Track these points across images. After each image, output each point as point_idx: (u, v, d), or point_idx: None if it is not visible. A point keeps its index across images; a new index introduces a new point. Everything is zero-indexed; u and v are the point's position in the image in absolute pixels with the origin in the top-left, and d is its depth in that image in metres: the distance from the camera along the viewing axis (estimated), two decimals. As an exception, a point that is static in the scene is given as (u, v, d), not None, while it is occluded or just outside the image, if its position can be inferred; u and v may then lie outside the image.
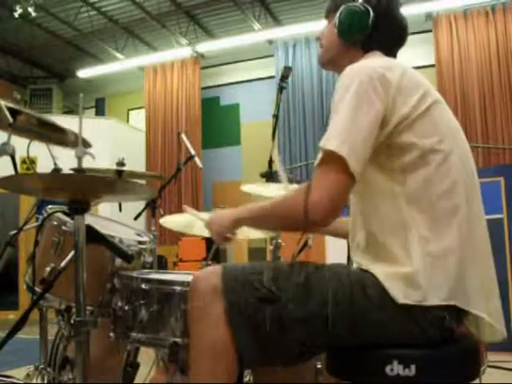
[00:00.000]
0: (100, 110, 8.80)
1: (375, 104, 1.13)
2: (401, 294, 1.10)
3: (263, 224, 1.31)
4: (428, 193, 1.14)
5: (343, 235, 1.52)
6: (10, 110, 1.59)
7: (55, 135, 1.81)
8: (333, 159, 1.10)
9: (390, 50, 1.35)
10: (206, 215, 1.46)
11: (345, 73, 1.19)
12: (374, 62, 1.24)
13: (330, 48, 1.39)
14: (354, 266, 1.25)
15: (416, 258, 1.12)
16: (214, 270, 1.19)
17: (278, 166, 1.84)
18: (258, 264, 1.25)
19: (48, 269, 1.57)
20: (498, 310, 1.20)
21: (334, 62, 1.40)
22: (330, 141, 1.12)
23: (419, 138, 1.15)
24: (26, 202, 5.98)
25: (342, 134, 1.12)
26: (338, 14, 1.32)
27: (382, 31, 1.30)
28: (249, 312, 1.13)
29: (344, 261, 1.35)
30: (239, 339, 1.12)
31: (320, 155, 1.13)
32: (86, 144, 1.78)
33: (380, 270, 1.15)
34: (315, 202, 1.08)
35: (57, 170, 1.86)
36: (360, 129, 1.12)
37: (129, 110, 8.64)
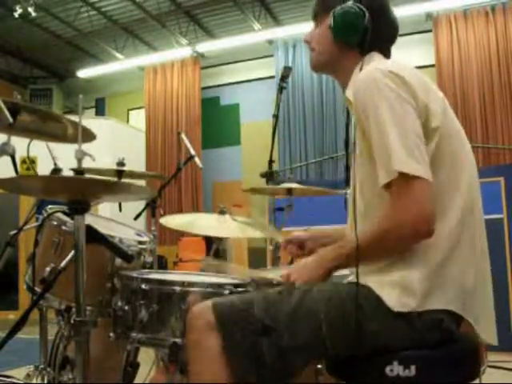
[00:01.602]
0: (100, 110, 8.79)
1: (407, 104, 1.12)
2: (396, 302, 1.10)
3: (369, 259, 1.18)
4: None
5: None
6: (11, 108, 1.59)
7: (56, 131, 1.81)
8: (407, 177, 1.07)
9: (385, 49, 1.34)
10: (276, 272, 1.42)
11: (360, 83, 1.17)
12: (384, 64, 1.23)
13: (325, 51, 1.35)
14: (347, 279, 1.25)
15: (411, 264, 1.12)
16: (206, 307, 1.17)
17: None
18: (248, 296, 1.25)
19: (48, 269, 1.57)
20: (490, 316, 1.20)
21: (329, 65, 1.38)
22: (400, 162, 1.08)
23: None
24: (26, 202, 5.98)
25: (402, 150, 1.08)
26: (332, 16, 1.29)
27: (376, 31, 1.28)
28: (246, 346, 1.12)
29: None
30: (240, 373, 1.12)
31: (391, 177, 1.09)
32: (90, 136, 1.78)
33: (374, 279, 1.15)
34: (424, 208, 1.07)
35: (57, 170, 1.86)
36: (414, 136, 1.10)
37: (129, 109, 8.64)
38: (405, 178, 1.07)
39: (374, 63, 1.25)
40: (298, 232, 1.62)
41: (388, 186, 1.11)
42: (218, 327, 1.13)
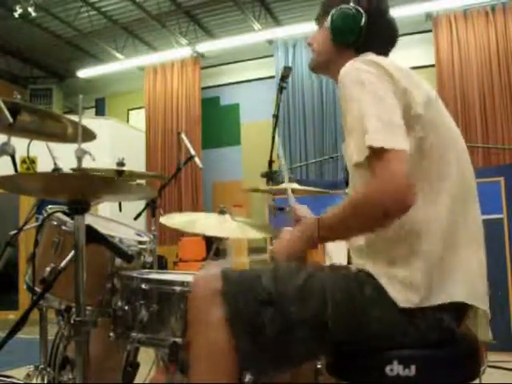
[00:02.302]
0: (100, 110, 8.79)
1: (385, 86, 1.13)
2: (401, 297, 1.11)
3: (344, 232, 1.20)
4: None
5: None
6: (11, 108, 1.59)
7: (56, 131, 1.81)
8: (383, 151, 1.06)
9: (383, 52, 1.35)
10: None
11: (343, 74, 1.19)
12: (369, 57, 1.24)
13: (323, 51, 1.39)
14: (353, 267, 1.25)
15: (412, 260, 1.12)
16: (214, 274, 1.18)
17: (281, 164, 1.81)
18: (257, 268, 1.25)
19: (48, 269, 1.57)
20: (487, 313, 1.20)
21: (326, 65, 1.40)
22: (373, 137, 1.07)
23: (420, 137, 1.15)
24: (26, 202, 5.97)
25: (378, 126, 1.08)
26: (330, 17, 1.32)
27: (374, 33, 1.31)
28: (249, 315, 1.13)
29: (344, 261, 1.35)
30: (240, 342, 1.12)
31: (366, 152, 1.08)
32: (90, 136, 1.78)
33: (379, 272, 1.15)
34: (397, 184, 1.04)
35: (57, 170, 1.86)
36: (387, 110, 1.10)
37: (129, 109, 8.64)
38: (377, 153, 1.06)
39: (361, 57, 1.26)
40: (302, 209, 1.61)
41: (364, 165, 1.10)
42: (222, 295, 1.14)
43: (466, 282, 1.14)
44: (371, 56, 1.27)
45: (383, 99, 1.11)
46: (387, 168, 1.05)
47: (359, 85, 1.13)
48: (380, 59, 1.20)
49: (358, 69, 1.17)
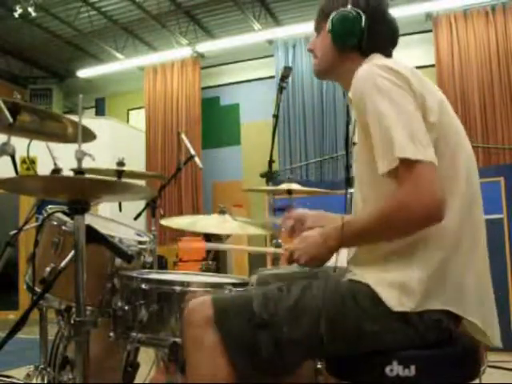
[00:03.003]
0: (100, 110, 8.79)
1: (407, 96, 1.12)
2: (396, 302, 1.10)
3: (369, 240, 1.18)
4: None
5: None
6: (11, 108, 1.59)
7: (56, 131, 1.81)
8: (410, 162, 1.06)
9: (387, 51, 1.35)
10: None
11: (360, 79, 1.18)
12: (382, 61, 1.24)
13: (326, 57, 1.38)
14: (347, 276, 1.25)
15: (411, 264, 1.12)
16: (205, 302, 1.18)
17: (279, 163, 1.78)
18: (247, 292, 1.26)
19: (48, 269, 1.57)
20: (492, 315, 1.19)
21: (331, 70, 1.39)
22: (404, 148, 1.06)
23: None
24: (26, 202, 5.97)
25: (406, 137, 1.07)
26: (330, 22, 1.31)
27: (375, 34, 1.30)
28: (244, 340, 1.13)
29: (344, 262, 1.35)
30: (238, 367, 1.12)
31: (396, 162, 1.07)
32: (90, 136, 1.78)
33: (373, 278, 1.15)
34: (432, 195, 1.04)
35: (57, 171, 1.86)
36: (413, 120, 1.10)
37: (129, 110, 8.64)
38: (408, 164, 1.06)
39: (373, 61, 1.26)
40: (301, 210, 1.60)
41: (392, 175, 1.09)
42: (216, 322, 1.14)
43: (462, 291, 1.13)
44: (382, 59, 1.26)
45: (406, 109, 1.10)
46: (422, 178, 1.05)
47: (376, 91, 1.12)
48: (393, 63, 1.18)
49: (373, 73, 1.15)
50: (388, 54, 1.35)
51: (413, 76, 1.16)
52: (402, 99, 1.11)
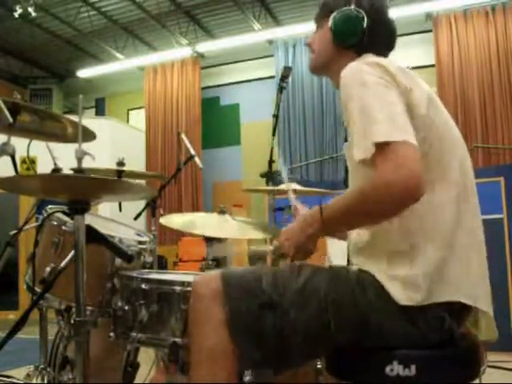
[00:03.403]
0: (100, 110, 8.79)
1: (390, 87, 1.13)
2: (402, 296, 1.10)
3: (349, 219, 1.16)
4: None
5: (341, 236, 1.52)
6: (11, 108, 1.59)
7: (56, 131, 1.81)
8: (390, 143, 1.05)
9: (382, 52, 1.35)
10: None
11: (345, 75, 1.19)
12: (370, 58, 1.25)
13: (323, 53, 1.39)
14: (354, 267, 1.25)
15: (415, 259, 1.12)
16: (214, 275, 1.18)
17: (279, 165, 1.80)
18: (257, 269, 1.25)
19: (48, 269, 1.57)
20: (490, 311, 1.20)
21: (326, 66, 1.40)
22: (379, 133, 1.06)
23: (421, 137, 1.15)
24: (26, 202, 5.98)
25: (384, 124, 1.07)
26: (332, 19, 1.32)
27: (374, 35, 1.31)
28: (250, 319, 1.13)
29: (344, 262, 1.35)
30: (240, 344, 1.12)
31: (371, 149, 1.06)
32: (90, 136, 1.78)
33: (380, 272, 1.15)
34: (410, 169, 1.01)
35: (57, 170, 1.86)
36: (394, 108, 1.09)
37: (129, 110, 8.63)
38: (383, 147, 1.05)
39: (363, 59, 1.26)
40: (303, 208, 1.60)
41: (368, 162, 1.08)
42: (223, 296, 1.14)
43: (467, 283, 1.14)
44: (372, 57, 1.27)
45: (387, 100, 1.11)
46: (398, 155, 1.03)
47: (362, 86, 1.13)
48: (381, 60, 1.20)
49: (360, 70, 1.16)
50: (384, 55, 1.36)
51: (398, 71, 1.17)
52: (385, 91, 1.12)
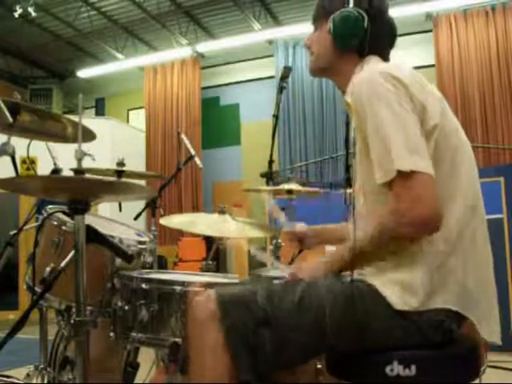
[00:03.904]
0: (100, 110, 8.79)
1: (406, 106, 1.13)
2: (399, 301, 1.10)
3: (373, 257, 1.20)
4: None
5: (334, 242, 1.53)
6: (11, 108, 1.59)
7: (56, 131, 1.81)
8: (408, 174, 1.07)
9: (384, 53, 1.35)
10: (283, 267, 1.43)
11: (360, 84, 1.18)
12: (382, 66, 1.24)
13: (324, 54, 1.36)
14: (349, 276, 1.25)
15: (414, 264, 1.12)
16: (209, 296, 1.17)
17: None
18: (252, 286, 1.25)
19: (48, 269, 1.57)
20: (489, 313, 1.19)
21: (328, 68, 1.38)
22: (399, 160, 1.08)
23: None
24: (26, 202, 5.98)
25: (403, 148, 1.08)
26: (332, 21, 1.30)
27: (375, 35, 1.28)
28: (247, 335, 1.12)
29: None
30: (240, 361, 1.12)
31: (393, 174, 1.08)
32: (90, 135, 1.78)
33: (377, 278, 1.15)
34: (426, 206, 1.06)
35: (57, 171, 1.86)
36: (411, 130, 1.10)
37: (129, 110, 8.63)
38: (405, 175, 1.07)
39: (373, 66, 1.25)
40: (300, 227, 1.62)
41: (389, 185, 1.10)
42: (219, 317, 1.13)
43: (465, 291, 1.13)
44: (381, 64, 1.26)
45: (405, 118, 1.11)
46: (417, 190, 1.06)
47: (378, 100, 1.12)
48: (395, 70, 1.17)
49: (375, 81, 1.15)
50: (386, 56, 1.35)
51: (413, 81, 1.16)
52: (401, 108, 1.11)
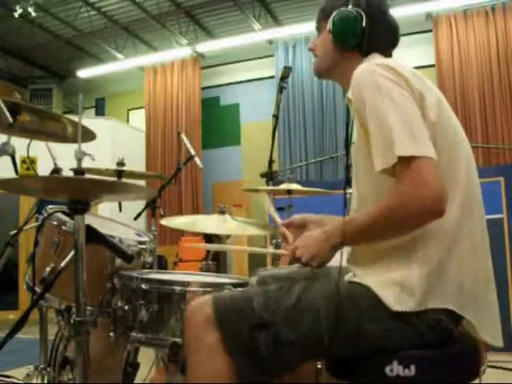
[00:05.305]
0: (100, 110, 8.79)
1: (405, 93, 1.13)
2: (395, 302, 1.10)
3: (372, 236, 1.17)
4: None
5: None
6: (11, 108, 1.59)
7: (56, 131, 1.81)
8: (413, 158, 1.06)
9: (387, 52, 1.35)
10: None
11: (358, 76, 1.18)
12: (381, 60, 1.24)
13: (326, 56, 1.38)
14: (346, 278, 1.25)
15: (411, 263, 1.12)
16: (205, 301, 1.17)
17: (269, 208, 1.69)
18: (248, 291, 1.25)
19: (48, 269, 1.57)
20: (486, 314, 1.18)
21: (331, 70, 1.39)
22: (401, 146, 1.07)
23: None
24: (26, 202, 5.98)
25: (403, 134, 1.08)
26: (331, 21, 1.31)
27: (376, 34, 1.29)
28: (244, 339, 1.12)
29: (344, 262, 1.34)
30: (238, 365, 1.12)
31: (394, 160, 1.07)
32: (90, 135, 1.78)
33: (373, 279, 1.15)
34: (432, 188, 1.04)
35: (57, 170, 1.86)
36: (412, 118, 1.10)
37: (129, 110, 8.63)
38: (407, 160, 1.06)
39: (374, 60, 1.26)
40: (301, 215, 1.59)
41: (388, 171, 1.10)
42: (216, 321, 1.13)
43: (462, 291, 1.13)
44: (382, 59, 1.26)
45: (406, 107, 1.11)
46: (421, 174, 1.05)
47: (378, 91, 1.12)
48: (392, 62, 1.19)
49: (374, 72, 1.16)
50: (388, 54, 1.35)
51: (412, 75, 1.17)
52: (401, 98, 1.12)
